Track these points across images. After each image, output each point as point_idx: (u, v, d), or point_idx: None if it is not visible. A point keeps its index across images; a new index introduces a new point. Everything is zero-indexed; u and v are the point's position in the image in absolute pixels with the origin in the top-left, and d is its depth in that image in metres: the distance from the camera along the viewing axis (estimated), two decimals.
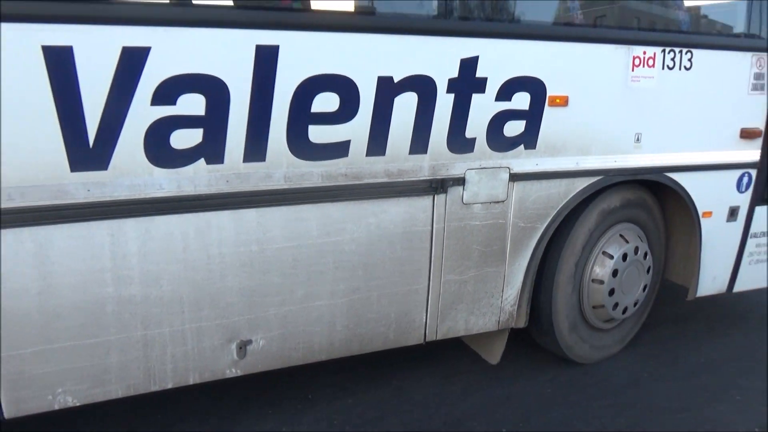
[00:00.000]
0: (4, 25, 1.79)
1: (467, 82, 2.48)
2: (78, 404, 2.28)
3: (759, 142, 3.38)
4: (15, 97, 1.84)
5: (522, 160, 2.69)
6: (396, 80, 2.35)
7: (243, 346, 2.48)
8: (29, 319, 2.06)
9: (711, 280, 3.53)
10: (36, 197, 1.93)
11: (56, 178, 1.94)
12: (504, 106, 2.58)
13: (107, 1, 1.92)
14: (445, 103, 2.46)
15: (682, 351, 3.57)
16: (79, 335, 2.15)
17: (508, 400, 3.02)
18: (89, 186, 1.99)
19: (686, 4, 3.29)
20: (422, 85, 2.40)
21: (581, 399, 3.01)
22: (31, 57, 1.82)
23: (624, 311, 3.23)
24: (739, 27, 3.28)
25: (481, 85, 2.51)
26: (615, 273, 3.10)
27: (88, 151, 1.96)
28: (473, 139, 2.57)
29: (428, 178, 2.54)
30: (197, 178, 2.13)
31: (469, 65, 2.46)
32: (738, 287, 3.62)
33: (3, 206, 1.91)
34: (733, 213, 3.49)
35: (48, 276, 2.04)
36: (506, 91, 2.57)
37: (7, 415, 2.20)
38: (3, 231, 1.95)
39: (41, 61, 1.83)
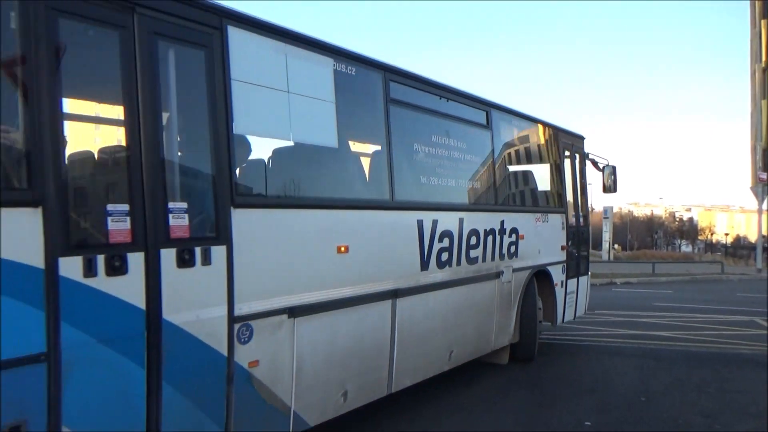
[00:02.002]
0: (402, 212, 5.19)
1: (500, 230, 6.68)
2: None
3: (565, 251, 8.24)
4: (404, 242, 5.20)
5: (515, 262, 7.01)
6: (479, 230, 6.28)
7: (450, 353, 5.92)
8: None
9: (559, 316, 8.14)
10: (409, 283, 5.19)
11: (416, 275, 5.29)
12: (509, 239, 6.83)
13: (436, 208, 5.63)
14: (493, 239, 6.54)
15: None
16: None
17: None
18: (424, 277, 5.39)
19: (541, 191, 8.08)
20: (490, 233, 6.49)
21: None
22: (411, 223, 5.28)
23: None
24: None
25: (503, 231, 6.75)
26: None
27: (424, 264, 5.38)
28: (504, 254, 6.76)
29: (494, 272, 6.60)
30: (447, 273, 5.71)
31: (501, 223, 6.70)
32: (563, 320, 8.37)
33: (397, 287, 5.02)
34: (561, 283, 8.17)
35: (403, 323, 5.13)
36: (509, 233, 6.87)
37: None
38: (399, 300, 5.01)
39: (415, 226, 5.29)
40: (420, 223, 5.26)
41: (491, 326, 6.59)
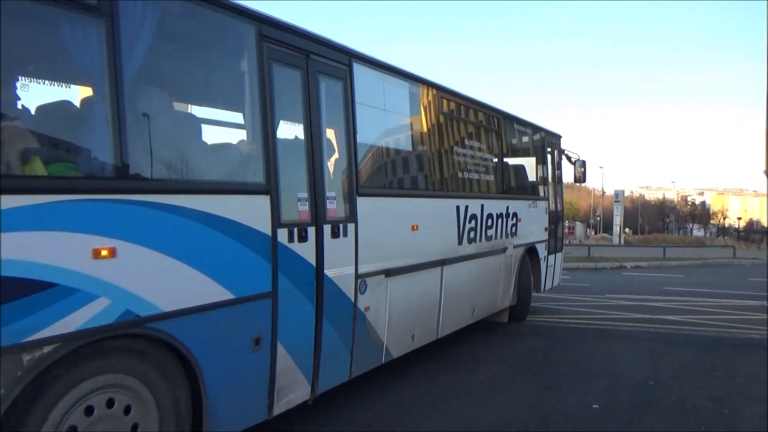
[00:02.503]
0: (448, 200, 6.67)
1: (506, 214, 8.07)
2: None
3: (547, 232, 9.94)
4: (448, 223, 6.64)
5: (515, 240, 8.41)
6: (493, 214, 7.72)
7: (473, 311, 7.37)
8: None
9: (542, 285, 9.87)
10: (450, 255, 6.59)
11: (455, 249, 6.70)
12: (511, 222, 8.26)
13: (467, 197, 7.09)
14: (502, 221, 7.94)
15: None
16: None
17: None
18: (460, 250, 6.80)
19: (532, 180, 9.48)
20: (500, 216, 7.91)
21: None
22: (453, 209, 6.74)
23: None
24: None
25: (508, 215, 8.15)
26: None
27: (460, 240, 6.82)
28: (508, 233, 8.17)
29: (501, 248, 7.99)
30: (473, 248, 7.12)
31: (506, 208, 8.12)
32: (545, 288, 10.10)
33: (444, 257, 6.41)
34: (544, 258, 9.79)
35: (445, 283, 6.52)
36: (512, 216, 8.30)
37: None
38: (444, 267, 6.43)
39: (454, 210, 6.77)
40: (458, 209, 6.80)
41: (498, 290, 8.14)
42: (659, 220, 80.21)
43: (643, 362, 6.95)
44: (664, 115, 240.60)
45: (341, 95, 4.87)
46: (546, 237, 9.81)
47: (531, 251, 9.19)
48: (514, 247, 8.44)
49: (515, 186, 8.77)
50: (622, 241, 40.03)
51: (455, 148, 6.98)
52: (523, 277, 8.89)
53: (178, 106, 4.24)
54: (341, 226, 4.65)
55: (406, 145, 6.18)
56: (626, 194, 54.95)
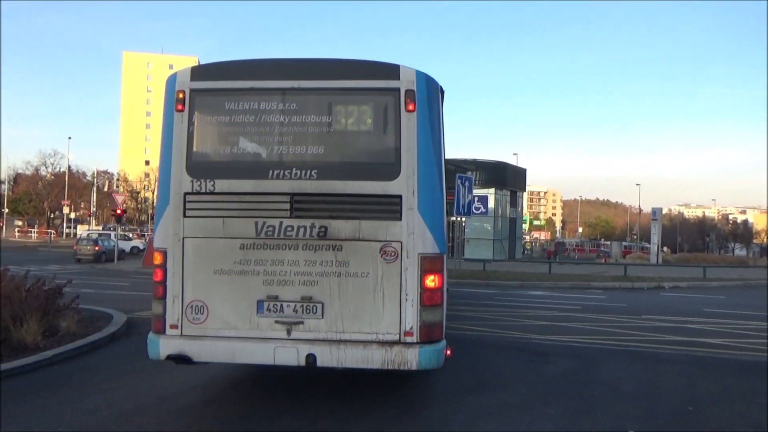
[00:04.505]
0: None
1: None
2: None
3: None
4: None
5: None
6: None
7: None
8: None
9: None
10: None
11: None
12: None
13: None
14: None
15: None
16: None
17: None
18: None
19: None
20: None
21: None
22: None
23: None
24: None
25: None
26: None
27: None
28: None
29: None
30: None
31: None
32: None
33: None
34: None
35: None
36: None
37: None
38: None
39: None
40: None
41: None
42: (699, 239, 77.71)
43: (681, 386, 6.74)
44: (702, 131, 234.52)
45: (441, 114, 6.12)
46: None
47: None
48: None
49: None
50: (660, 260, 38.95)
51: None
52: None
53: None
54: None
55: None
56: (664, 212, 53.48)
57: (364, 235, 5.26)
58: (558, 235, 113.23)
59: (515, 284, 20.44)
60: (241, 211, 5.33)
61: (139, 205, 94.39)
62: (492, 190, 36.98)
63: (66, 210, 61.50)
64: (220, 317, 5.30)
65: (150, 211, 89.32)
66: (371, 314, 5.21)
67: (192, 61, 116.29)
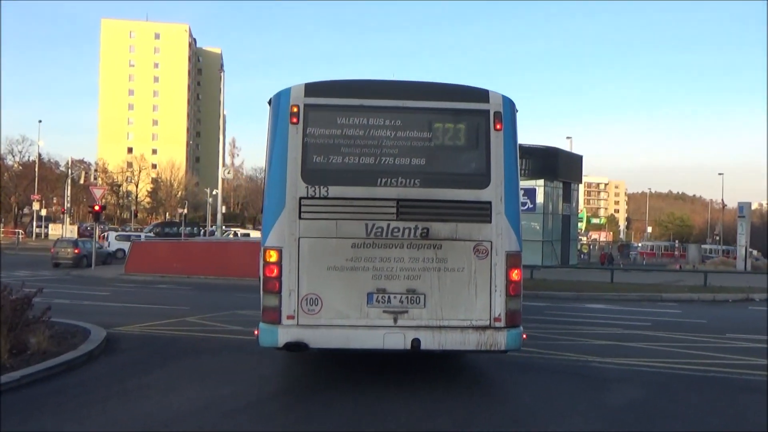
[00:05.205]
0: None
1: None
2: None
3: None
4: None
5: None
6: None
7: None
8: None
9: None
10: None
11: None
12: None
13: None
14: None
15: None
16: None
17: None
18: None
19: None
20: None
21: None
22: None
23: None
24: None
25: None
26: None
27: None
28: None
29: None
30: None
31: None
32: None
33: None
34: None
35: None
36: None
37: None
38: None
39: None
40: None
41: None
42: None
43: None
44: None
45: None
46: None
47: None
48: None
49: None
50: (749, 267, 38.21)
51: None
52: None
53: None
54: None
55: None
56: (753, 207, 52.48)
57: (460, 236, 7.20)
58: (622, 235, 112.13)
59: (569, 296, 20.30)
60: (353, 214, 7.12)
61: (121, 201, 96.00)
62: (541, 182, 36.66)
63: (36, 206, 62.88)
64: (334, 308, 7.03)
65: (133, 208, 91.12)
66: (466, 303, 7.14)
67: (181, 30, 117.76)
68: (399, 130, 7.34)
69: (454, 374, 8.48)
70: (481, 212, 7.24)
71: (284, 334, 6.91)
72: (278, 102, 7.36)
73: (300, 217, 7.08)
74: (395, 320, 7.02)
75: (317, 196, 7.10)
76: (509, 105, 7.53)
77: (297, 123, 7.16)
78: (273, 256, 7.03)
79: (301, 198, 7.09)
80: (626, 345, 10.91)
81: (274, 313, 6.95)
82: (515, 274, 7.20)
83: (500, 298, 7.10)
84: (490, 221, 7.20)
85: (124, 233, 43.29)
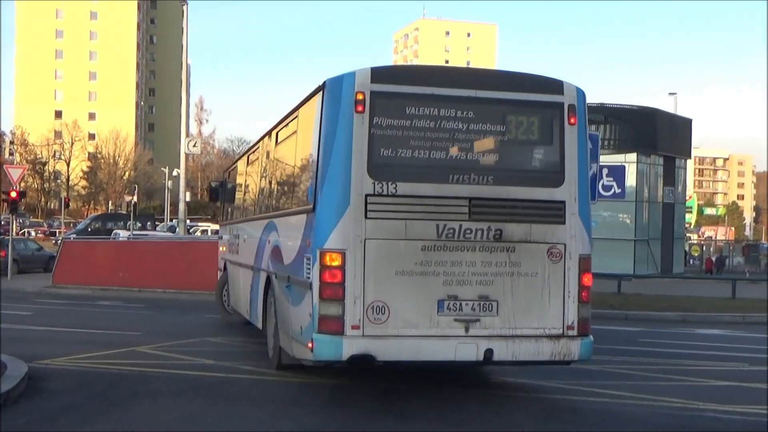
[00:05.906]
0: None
1: None
2: None
3: None
4: None
5: None
6: None
7: None
8: None
9: None
10: None
11: None
12: None
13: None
14: None
15: None
16: None
17: None
18: None
19: None
20: None
21: None
22: None
23: None
24: None
25: None
26: None
27: None
28: None
29: None
30: None
31: None
32: None
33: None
34: None
35: None
36: None
37: None
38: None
39: None
40: None
41: None
42: None
43: None
44: None
45: None
46: None
47: None
48: None
49: None
50: None
51: None
52: None
53: None
54: None
55: None
56: None
57: (534, 238, 8.72)
58: (748, 231, 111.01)
59: (673, 317, 20.25)
60: (423, 214, 8.48)
61: (47, 184, 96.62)
62: (632, 156, 36.55)
63: None
64: (402, 317, 8.40)
65: (64, 194, 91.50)
66: (539, 311, 8.70)
67: None
68: (471, 122, 8.83)
69: None
70: (555, 212, 8.81)
71: (349, 346, 8.18)
72: (339, 87, 8.62)
73: (366, 217, 8.36)
74: (467, 329, 8.47)
75: (385, 193, 8.40)
76: (582, 97, 9.13)
77: (363, 112, 8.40)
78: (336, 260, 8.24)
79: (367, 195, 8.35)
80: (754, 387, 10.91)
81: (336, 322, 8.17)
82: (587, 279, 8.83)
83: (573, 305, 8.70)
84: (564, 222, 8.76)
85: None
